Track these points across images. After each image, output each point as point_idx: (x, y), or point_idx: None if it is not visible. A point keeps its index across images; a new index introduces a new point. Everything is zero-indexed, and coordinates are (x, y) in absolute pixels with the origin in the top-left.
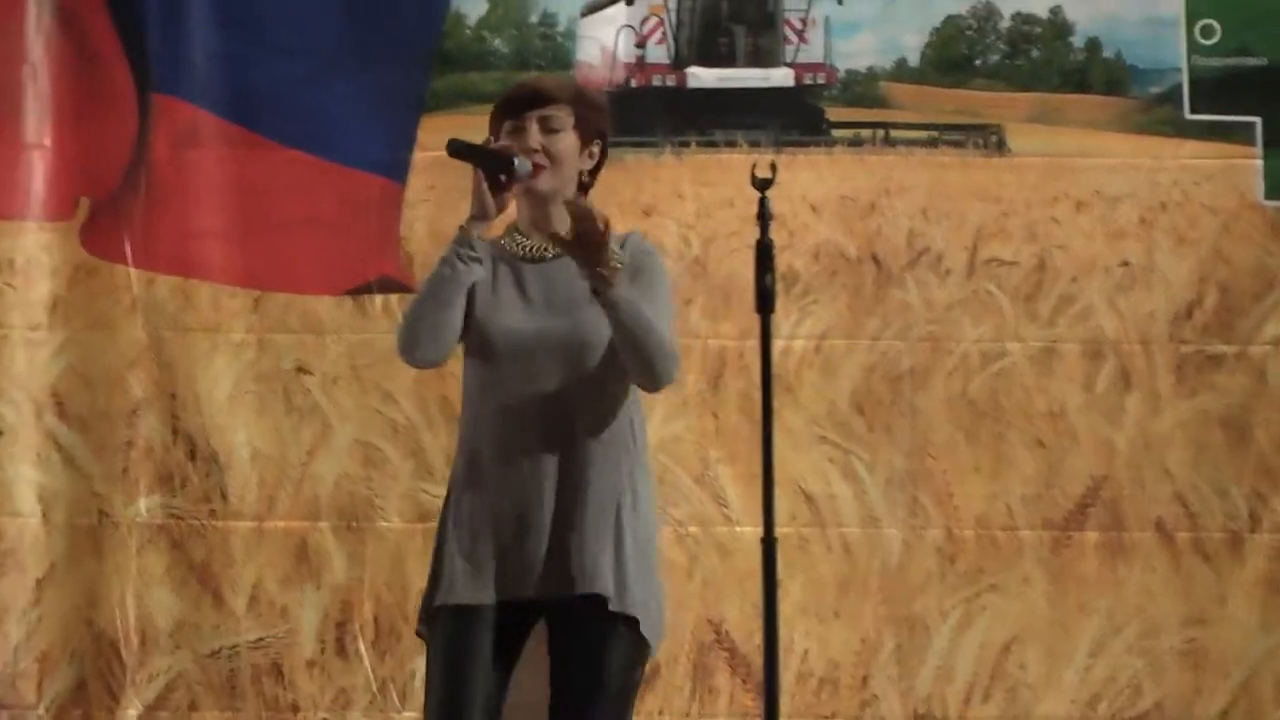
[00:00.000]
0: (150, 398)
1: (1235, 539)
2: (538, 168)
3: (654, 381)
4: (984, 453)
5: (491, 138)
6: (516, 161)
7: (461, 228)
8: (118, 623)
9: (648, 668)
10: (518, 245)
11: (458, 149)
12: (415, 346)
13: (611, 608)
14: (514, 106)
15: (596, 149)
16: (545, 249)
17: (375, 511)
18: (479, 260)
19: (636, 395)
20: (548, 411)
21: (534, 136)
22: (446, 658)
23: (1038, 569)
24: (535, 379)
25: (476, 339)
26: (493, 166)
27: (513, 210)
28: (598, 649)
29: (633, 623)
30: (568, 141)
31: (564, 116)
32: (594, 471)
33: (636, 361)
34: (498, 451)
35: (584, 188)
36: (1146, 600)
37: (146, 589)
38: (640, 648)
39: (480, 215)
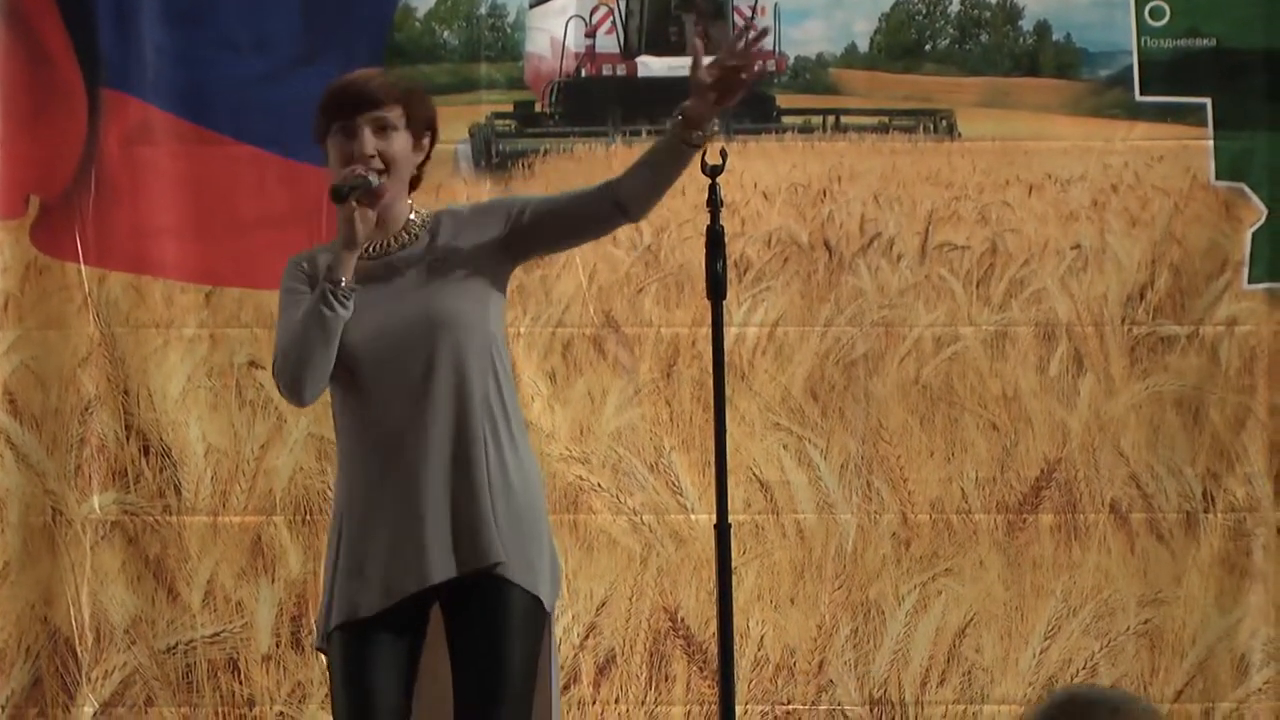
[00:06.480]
0: (103, 395)
1: (1190, 520)
2: (380, 175)
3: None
4: (938, 437)
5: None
6: (372, 179)
7: (331, 267)
8: (73, 620)
9: (602, 656)
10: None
11: (344, 193)
12: (303, 388)
13: (500, 574)
14: (344, 109)
15: (426, 141)
16: (386, 244)
17: (329, 505)
18: (353, 293)
19: (504, 354)
20: (413, 396)
21: (369, 142)
22: (346, 671)
23: (993, 552)
24: (397, 368)
25: (341, 349)
26: (364, 193)
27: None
28: (492, 621)
29: (524, 588)
30: (401, 143)
31: (395, 117)
32: (463, 444)
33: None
34: (373, 451)
35: (414, 182)
36: (1102, 582)
37: (101, 586)
38: (537, 610)
39: (352, 244)
